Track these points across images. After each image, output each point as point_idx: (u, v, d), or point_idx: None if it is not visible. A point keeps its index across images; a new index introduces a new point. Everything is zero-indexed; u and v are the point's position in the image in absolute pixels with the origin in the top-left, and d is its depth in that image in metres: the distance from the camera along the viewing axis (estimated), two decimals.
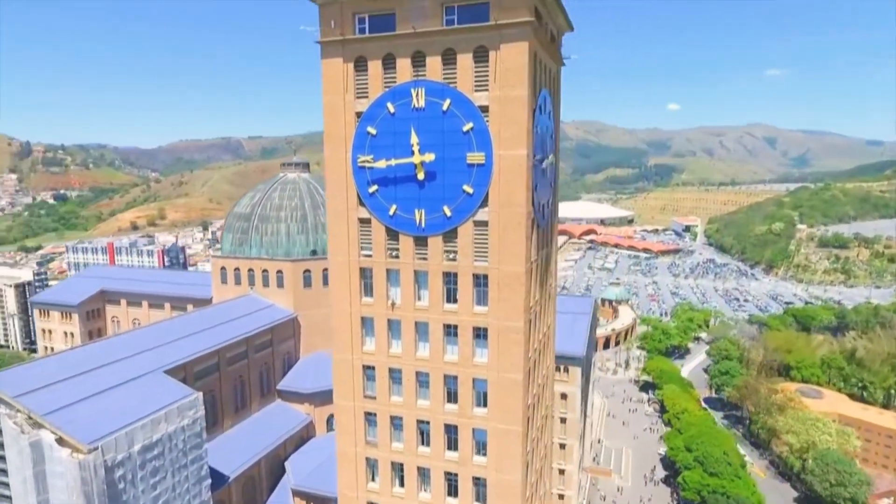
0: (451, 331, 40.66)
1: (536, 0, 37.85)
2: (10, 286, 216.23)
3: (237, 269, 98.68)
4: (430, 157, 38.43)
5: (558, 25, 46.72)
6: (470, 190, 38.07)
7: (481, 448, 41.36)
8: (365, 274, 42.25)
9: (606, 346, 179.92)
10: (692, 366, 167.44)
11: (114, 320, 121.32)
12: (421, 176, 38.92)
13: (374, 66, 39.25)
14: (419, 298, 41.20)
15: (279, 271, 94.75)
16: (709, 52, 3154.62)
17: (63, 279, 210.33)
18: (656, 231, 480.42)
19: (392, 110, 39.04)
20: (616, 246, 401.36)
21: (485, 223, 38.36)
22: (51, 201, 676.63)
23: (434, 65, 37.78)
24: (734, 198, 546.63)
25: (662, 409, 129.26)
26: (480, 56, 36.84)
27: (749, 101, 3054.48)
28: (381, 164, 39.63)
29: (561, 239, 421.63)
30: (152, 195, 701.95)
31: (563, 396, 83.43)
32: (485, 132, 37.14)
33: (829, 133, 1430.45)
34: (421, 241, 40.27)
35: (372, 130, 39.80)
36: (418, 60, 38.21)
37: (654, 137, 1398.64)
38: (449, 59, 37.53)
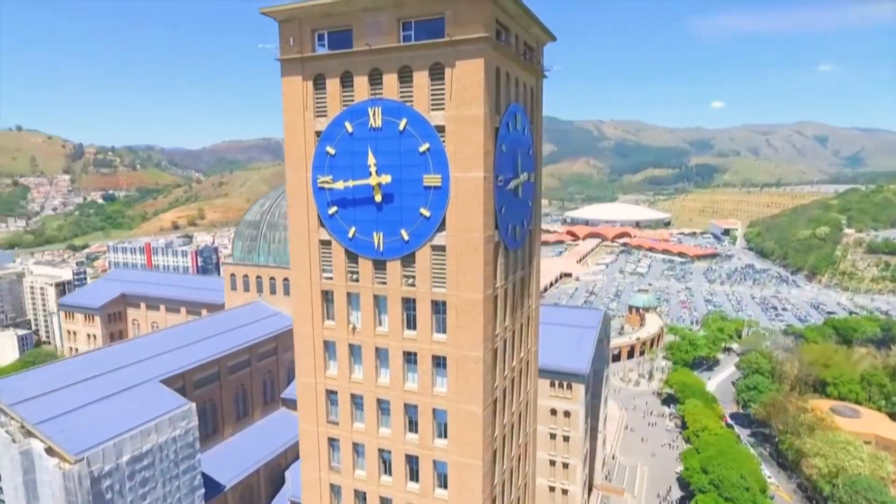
0: (411, 358, 39.09)
1: (498, 13, 35.93)
2: (51, 285, 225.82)
3: (246, 275, 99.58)
4: (386, 178, 36.98)
5: (535, 36, 44.50)
6: (427, 213, 36.42)
7: (443, 480, 39.65)
8: (327, 297, 41.11)
9: (631, 355, 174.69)
10: (720, 378, 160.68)
11: (134, 323, 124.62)
12: (378, 198, 37.51)
13: (333, 85, 38.05)
14: (380, 324, 39.79)
15: (286, 279, 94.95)
16: (756, 48, 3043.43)
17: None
18: (693, 234, 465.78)
19: (350, 130, 37.76)
20: (650, 249, 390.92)
21: (443, 248, 36.64)
22: (100, 201, 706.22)
23: (391, 83, 36.30)
24: (778, 200, 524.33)
25: (684, 425, 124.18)
26: (436, 73, 35.16)
27: (799, 98, 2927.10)
28: (340, 185, 38.41)
29: (593, 242, 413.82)
30: (193, 195, 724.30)
31: (567, 414, 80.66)
32: (441, 153, 35.43)
33: (884, 131, 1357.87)
34: (380, 265, 38.86)
35: (331, 150, 38.62)
36: (375, 78, 36.80)
37: (697, 136, 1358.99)
38: (405, 76, 35.99)
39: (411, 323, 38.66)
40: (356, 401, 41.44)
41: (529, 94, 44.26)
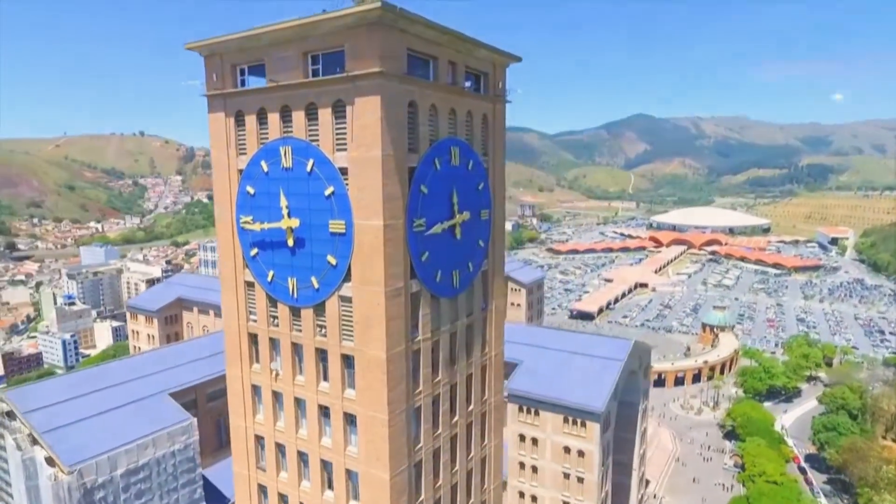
0: (327, 412, 36.56)
1: (412, 42, 32.42)
2: (144, 281, 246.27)
3: None
4: (295, 222, 34.71)
5: (489, 60, 40.22)
6: (333, 261, 33.69)
7: None
8: (253, 340, 39.54)
9: (697, 379, 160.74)
10: (800, 412, 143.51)
11: (188, 326, 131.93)
12: (291, 242, 35.30)
13: (250, 122, 36.31)
14: (299, 372, 37.60)
15: None
16: (886, 31, 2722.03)
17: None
18: (795, 243, 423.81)
19: (266, 169, 35.85)
20: (742, 259, 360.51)
21: (350, 300, 33.75)
22: (205, 200, 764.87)
23: (299, 121, 33.94)
24: None
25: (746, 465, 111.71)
26: (339, 111, 32.32)
27: None
28: (258, 226, 36.63)
29: (677, 249, 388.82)
30: None
31: (581, 454, 74.39)
32: (345, 197, 32.55)
33: None
34: (296, 312, 36.65)
35: (250, 190, 36.94)
36: (286, 116, 34.58)
37: (811, 133, 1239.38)
38: (312, 114, 33.45)
39: (326, 375, 36.13)
40: (281, 449, 39.57)
41: (480, 122, 40.11)
